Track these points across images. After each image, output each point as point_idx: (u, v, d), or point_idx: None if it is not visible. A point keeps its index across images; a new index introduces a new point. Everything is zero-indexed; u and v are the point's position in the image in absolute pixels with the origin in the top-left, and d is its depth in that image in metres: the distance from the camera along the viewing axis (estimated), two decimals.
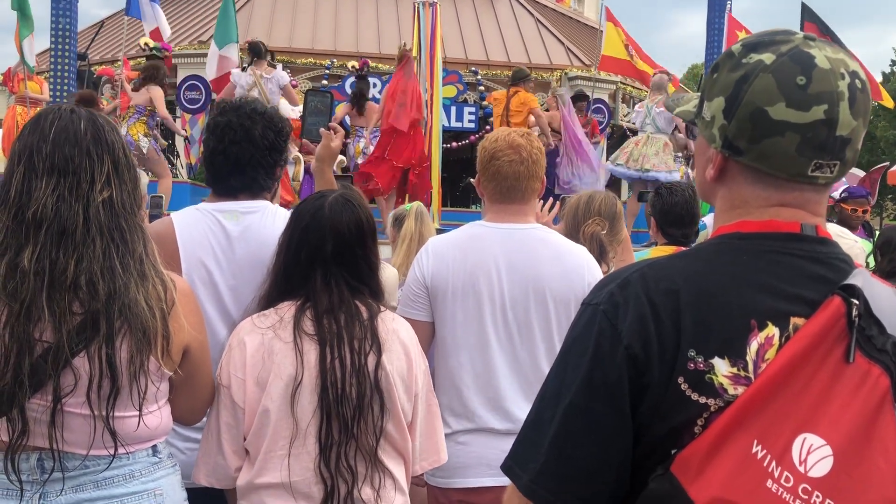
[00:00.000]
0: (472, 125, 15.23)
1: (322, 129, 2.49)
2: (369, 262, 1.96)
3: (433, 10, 10.93)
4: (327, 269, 1.89)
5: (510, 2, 18.47)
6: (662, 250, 3.26)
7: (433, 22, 10.91)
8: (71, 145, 1.58)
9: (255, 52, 8.91)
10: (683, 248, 3.24)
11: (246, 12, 15.40)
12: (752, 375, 0.97)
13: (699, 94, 1.16)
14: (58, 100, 10.62)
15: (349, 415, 1.79)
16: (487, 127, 14.97)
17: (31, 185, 1.55)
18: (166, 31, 10.50)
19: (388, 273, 3.05)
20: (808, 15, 10.34)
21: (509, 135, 2.38)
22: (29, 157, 1.56)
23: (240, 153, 2.18)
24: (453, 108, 14.90)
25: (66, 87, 10.78)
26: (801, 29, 11.52)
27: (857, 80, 1.02)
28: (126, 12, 10.23)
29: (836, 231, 3.17)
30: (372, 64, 14.26)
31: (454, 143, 14.92)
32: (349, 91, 12.82)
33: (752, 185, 1.07)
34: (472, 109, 15.31)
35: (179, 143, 14.27)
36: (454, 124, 14.84)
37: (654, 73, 9.85)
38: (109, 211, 1.59)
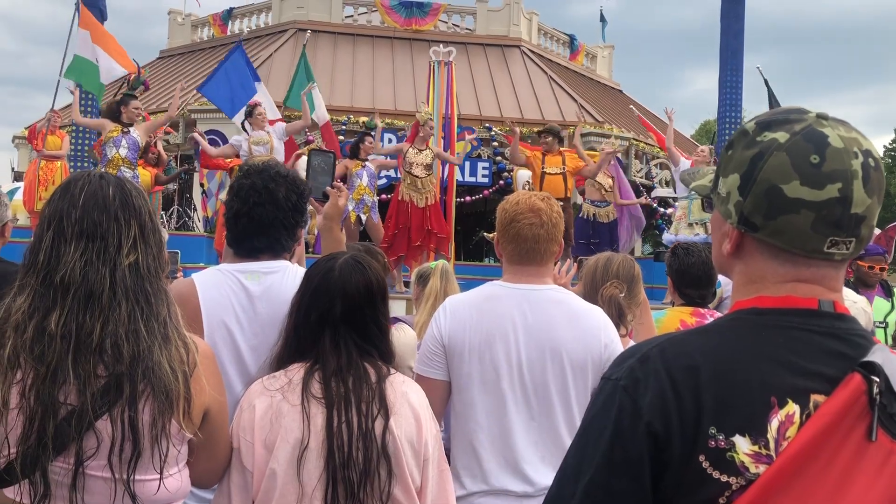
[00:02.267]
0: (486, 180, 15.40)
1: (328, 189, 2.55)
2: (378, 324, 1.96)
3: (448, 69, 11.15)
4: (336, 330, 1.89)
5: (523, 59, 18.79)
6: (679, 311, 3.25)
7: (449, 79, 11.12)
8: (100, 211, 1.61)
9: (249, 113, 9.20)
10: (699, 309, 3.25)
11: (265, 70, 15.72)
12: (773, 454, 0.97)
13: (714, 168, 1.19)
14: (78, 153, 10.83)
15: (355, 479, 1.77)
16: (501, 182, 15.13)
17: (59, 249, 1.58)
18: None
19: (407, 335, 3.05)
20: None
21: (530, 198, 2.41)
22: (59, 222, 1.60)
23: (263, 214, 2.23)
24: (467, 163, 15.09)
25: (87, 142, 11.01)
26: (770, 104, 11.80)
27: (870, 159, 1.04)
28: (200, 88, 10.35)
29: None
30: (388, 120, 14.52)
31: (468, 198, 15.07)
32: None
33: (769, 260, 1.08)
34: (486, 164, 15.49)
35: (196, 197, 14.46)
36: (468, 179, 15.01)
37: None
38: (135, 275, 1.62)
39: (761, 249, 1.08)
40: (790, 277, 1.07)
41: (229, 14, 20.19)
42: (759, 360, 1.02)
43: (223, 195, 10.37)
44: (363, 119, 14.37)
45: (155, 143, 9.98)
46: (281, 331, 1.98)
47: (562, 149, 9.59)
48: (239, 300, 2.21)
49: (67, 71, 9.66)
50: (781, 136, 1.06)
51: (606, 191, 10.57)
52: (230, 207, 2.29)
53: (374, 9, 19.12)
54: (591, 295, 2.82)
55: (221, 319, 2.19)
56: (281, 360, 1.93)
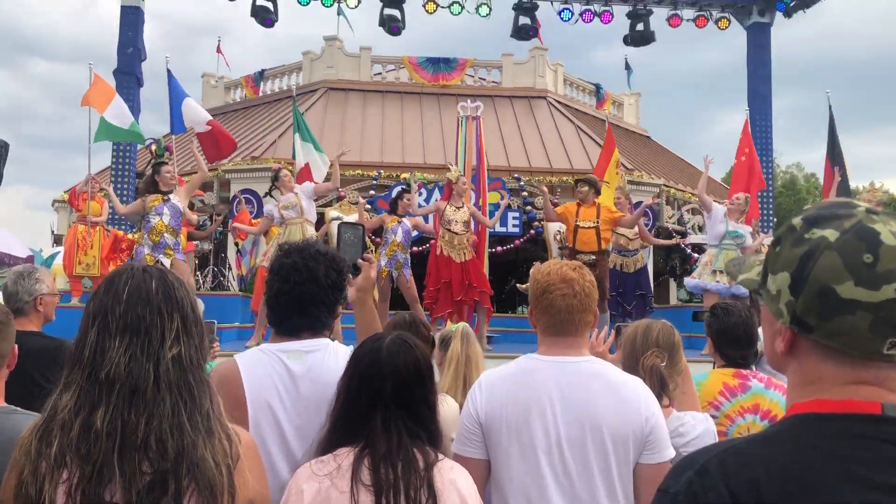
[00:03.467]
0: (517, 230, 15.42)
1: (360, 261, 2.57)
2: (428, 404, 1.97)
3: (477, 123, 11.25)
4: (387, 411, 1.90)
5: (550, 109, 18.94)
6: (721, 373, 3.18)
7: (478, 133, 11.22)
8: (143, 305, 1.63)
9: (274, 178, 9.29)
10: (741, 370, 3.17)
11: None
12: None
13: (761, 260, 1.17)
14: (115, 216, 11.06)
15: None
16: (531, 231, 15.14)
17: (104, 345, 1.60)
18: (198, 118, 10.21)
19: (450, 406, 3.02)
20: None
21: (561, 268, 2.39)
22: (104, 318, 1.62)
23: (304, 293, 2.27)
24: (497, 213, 15.11)
25: (124, 203, 11.25)
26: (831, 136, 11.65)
27: None
28: (171, 131, 10.58)
29: None
30: (418, 174, 14.69)
31: (499, 248, 15.08)
32: None
33: (826, 361, 1.05)
34: (517, 214, 15.53)
35: (231, 255, 14.64)
36: (499, 229, 15.04)
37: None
38: (178, 367, 1.63)
39: (816, 350, 1.05)
40: (849, 380, 1.04)
41: (261, 75, 20.70)
42: (825, 473, 0.98)
43: (257, 254, 10.49)
44: (404, 175, 14.56)
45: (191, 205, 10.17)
46: (328, 414, 1.98)
47: (597, 200, 9.48)
48: (282, 380, 2.22)
49: (97, 134, 9.91)
50: (831, 233, 1.03)
51: (630, 239, 10.50)
52: (271, 287, 2.32)
53: (401, 66, 19.50)
54: (631, 364, 2.77)
55: (265, 400, 2.20)
56: (329, 444, 1.93)
